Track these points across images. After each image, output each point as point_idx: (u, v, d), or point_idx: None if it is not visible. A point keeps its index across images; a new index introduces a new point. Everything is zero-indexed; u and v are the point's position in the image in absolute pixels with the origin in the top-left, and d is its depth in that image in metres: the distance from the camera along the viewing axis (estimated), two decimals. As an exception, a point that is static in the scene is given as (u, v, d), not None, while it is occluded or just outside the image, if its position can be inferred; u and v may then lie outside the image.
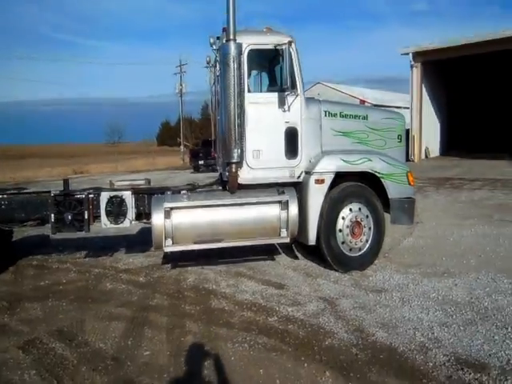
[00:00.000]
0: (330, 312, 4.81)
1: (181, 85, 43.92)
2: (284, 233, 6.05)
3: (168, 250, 5.99)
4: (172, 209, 5.84)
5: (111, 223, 6.32)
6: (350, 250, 6.15)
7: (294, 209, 6.02)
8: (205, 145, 28.88)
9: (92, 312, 5.12)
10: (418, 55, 22.98)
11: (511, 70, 21.79)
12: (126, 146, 75.60)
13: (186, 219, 5.91)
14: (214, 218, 6.00)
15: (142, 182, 7.11)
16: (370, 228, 6.18)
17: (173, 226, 5.82)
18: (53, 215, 6.22)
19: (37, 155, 59.00)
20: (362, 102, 47.98)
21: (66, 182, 6.61)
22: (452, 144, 27.56)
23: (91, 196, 6.34)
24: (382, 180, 6.17)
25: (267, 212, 6.04)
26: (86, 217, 6.27)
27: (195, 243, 5.94)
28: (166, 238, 5.82)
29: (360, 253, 6.18)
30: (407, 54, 23.18)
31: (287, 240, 6.14)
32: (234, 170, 5.81)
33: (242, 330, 4.50)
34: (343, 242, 6.11)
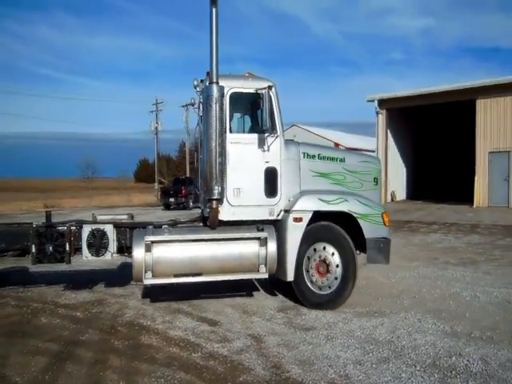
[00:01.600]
0: (254, 349, 4.90)
1: (156, 123, 44.58)
2: (263, 269, 6.20)
3: (147, 282, 6.08)
4: (153, 242, 5.98)
5: (92, 255, 6.50)
6: (319, 288, 6.32)
7: (272, 246, 6.19)
8: (176, 183, 29.14)
9: (18, 347, 5.07)
10: (382, 103, 24.15)
11: (469, 120, 22.94)
12: (102, 182, 75.17)
13: (166, 253, 6.05)
14: (194, 252, 6.14)
15: (125, 216, 7.33)
16: (337, 267, 6.29)
17: (153, 260, 5.95)
18: (34, 246, 6.40)
19: (11, 189, 58.11)
20: (336, 145, 49.47)
21: (48, 214, 6.76)
22: (418, 189, 28.47)
23: (73, 228, 6.56)
24: (359, 220, 6.37)
25: (246, 248, 6.20)
26: (68, 248, 6.48)
27: (175, 277, 6.08)
28: (145, 271, 5.94)
29: (329, 291, 6.30)
30: (373, 101, 24.35)
31: (266, 276, 6.27)
32: (214, 206, 6.02)
33: (163, 365, 4.55)
34: (311, 281, 6.31)
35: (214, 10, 5.77)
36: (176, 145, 70.12)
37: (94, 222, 6.76)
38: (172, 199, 26.55)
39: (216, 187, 5.89)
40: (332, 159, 6.77)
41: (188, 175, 46.01)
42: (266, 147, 6.28)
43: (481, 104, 22.21)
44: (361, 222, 6.36)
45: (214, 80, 5.85)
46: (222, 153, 5.97)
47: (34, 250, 6.40)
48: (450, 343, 4.96)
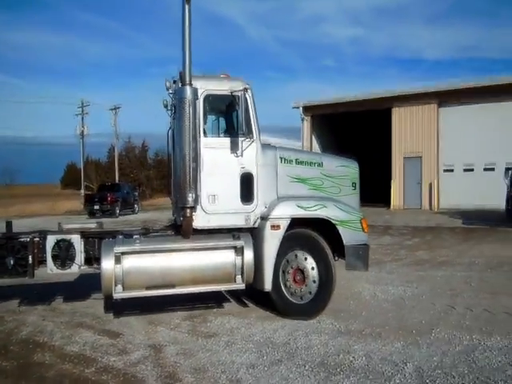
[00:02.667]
0: (151, 360, 4.86)
1: (82, 126, 42.80)
2: (239, 279, 5.98)
3: (118, 296, 5.74)
4: (123, 253, 5.70)
5: (58, 268, 6.07)
6: (296, 297, 6.14)
7: (249, 254, 5.98)
8: (101, 189, 28.14)
9: None
10: (307, 109, 25.03)
11: (387, 126, 24.37)
12: (24, 189, 70.68)
13: (137, 264, 5.77)
14: (167, 263, 5.90)
15: (94, 225, 6.84)
16: (314, 275, 6.11)
17: (123, 272, 5.67)
18: None
19: None
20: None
21: (8, 224, 6.26)
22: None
23: (36, 239, 6.11)
24: (337, 227, 6.21)
25: (222, 258, 5.99)
26: (31, 261, 6.00)
27: (147, 289, 5.80)
28: (115, 284, 5.65)
29: (306, 300, 6.12)
30: (298, 107, 25.18)
31: (242, 286, 6.04)
32: (188, 214, 5.77)
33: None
34: (288, 290, 6.15)
35: (186, 7, 5.52)
36: (104, 149, 67.55)
37: (60, 231, 6.34)
38: (97, 206, 25.55)
39: (190, 194, 5.65)
40: (310, 164, 6.63)
41: (118, 181, 44.57)
42: (241, 152, 6.09)
43: (396, 112, 23.79)
44: (339, 228, 6.21)
45: (188, 81, 5.62)
46: (196, 158, 5.75)
47: None
48: (341, 342, 5.24)
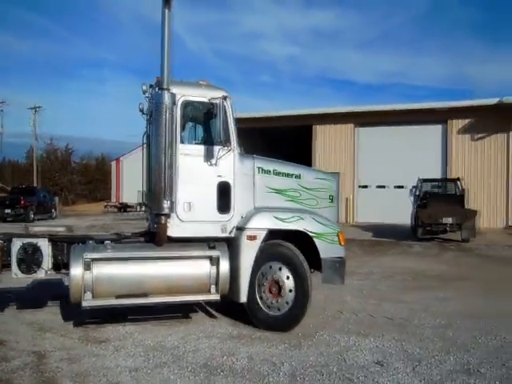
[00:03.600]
0: (31, 366, 4.75)
1: (-3, 125, 40.19)
2: (214, 290, 5.88)
3: (87, 304, 5.50)
4: (93, 260, 5.50)
5: (23, 273, 5.80)
6: (272, 309, 6.08)
7: (224, 265, 5.88)
8: (13, 193, 26.53)
9: None
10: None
11: (309, 143, 25.48)
12: None
13: (108, 272, 5.60)
14: (140, 271, 5.74)
15: (62, 228, 6.54)
16: (290, 287, 6.06)
17: (93, 279, 5.48)
18: None
19: None
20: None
21: None
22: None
23: (1, 242, 5.87)
24: (314, 239, 6.18)
25: (196, 268, 5.88)
26: None
27: (118, 298, 5.61)
28: (85, 292, 5.45)
29: (282, 312, 6.06)
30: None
31: (217, 298, 5.92)
32: (163, 222, 5.64)
33: None
34: (264, 302, 6.07)
35: (166, 12, 5.47)
36: (21, 150, 63.56)
37: (27, 235, 6.10)
38: (8, 210, 23.97)
39: (165, 201, 5.54)
40: (287, 175, 6.56)
41: (36, 184, 42.07)
42: (219, 161, 6.01)
43: (317, 130, 24.94)
44: (316, 241, 6.19)
45: (165, 86, 5.53)
46: (172, 164, 5.65)
47: None
48: (229, 345, 5.47)
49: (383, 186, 23.68)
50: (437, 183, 19.09)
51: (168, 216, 5.73)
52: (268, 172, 6.41)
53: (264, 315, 6.08)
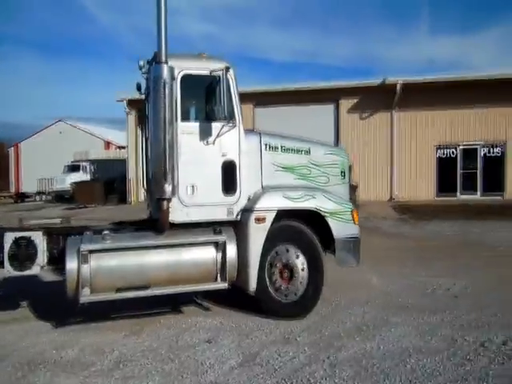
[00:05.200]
0: None
1: None
2: (221, 278, 5.51)
3: (85, 300, 5.14)
4: (90, 252, 5.11)
5: (16, 270, 5.38)
6: (283, 295, 5.73)
7: (232, 250, 5.52)
8: None
9: None
10: (133, 103, 24.56)
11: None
12: None
13: (106, 264, 5.22)
14: (141, 261, 5.35)
15: (59, 220, 6.09)
16: (303, 271, 5.73)
17: (91, 273, 5.11)
18: None
19: None
20: (108, 144, 47.79)
21: None
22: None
23: None
24: (327, 219, 5.83)
25: (202, 254, 5.51)
26: None
27: (118, 291, 5.23)
28: (82, 287, 5.08)
29: (294, 298, 5.73)
30: (122, 101, 24.59)
31: (225, 286, 5.53)
32: (165, 207, 5.24)
33: None
34: (275, 288, 5.72)
35: None
36: None
37: (20, 228, 5.65)
38: None
39: (166, 185, 5.12)
40: (296, 151, 6.17)
41: None
42: (223, 138, 5.62)
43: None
44: (329, 220, 5.84)
45: (163, 60, 5.07)
46: (173, 144, 5.23)
47: None
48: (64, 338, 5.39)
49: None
50: None
51: (170, 200, 5.34)
52: (275, 148, 6.03)
53: (275, 302, 5.72)
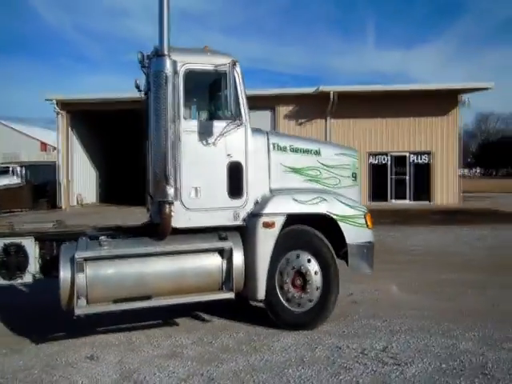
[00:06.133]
0: None
1: None
2: (227, 287, 5.15)
3: (80, 312, 4.71)
4: (86, 260, 4.76)
5: (5, 279, 5.05)
6: (295, 305, 5.40)
7: (238, 258, 5.19)
8: None
9: None
10: (63, 104, 23.60)
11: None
12: None
13: (104, 273, 4.85)
14: (141, 270, 4.98)
15: (51, 224, 5.65)
16: (316, 278, 5.43)
17: (87, 282, 4.75)
18: None
19: None
20: (44, 144, 45.73)
21: None
22: (112, 192, 29.24)
23: None
24: (339, 223, 5.50)
25: (206, 262, 5.18)
26: None
27: (116, 303, 4.84)
28: (78, 298, 4.70)
29: (307, 308, 5.40)
30: (51, 100, 23.52)
31: (231, 296, 5.15)
32: (167, 210, 4.92)
33: None
34: (286, 297, 5.38)
35: None
36: None
37: (9, 233, 5.28)
38: None
39: (169, 187, 4.82)
40: (306, 151, 5.84)
41: None
42: (228, 137, 5.28)
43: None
44: (341, 224, 5.53)
45: (165, 52, 4.76)
46: (176, 144, 4.94)
47: None
48: None
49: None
50: None
51: (172, 204, 4.99)
52: (284, 149, 5.72)
53: (287, 312, 5.41)
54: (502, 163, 68.80)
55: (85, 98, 23.77)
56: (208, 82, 5.75)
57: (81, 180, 25.46)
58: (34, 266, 5.16)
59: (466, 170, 63.62)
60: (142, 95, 5.95)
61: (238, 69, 5.36)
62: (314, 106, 22.55)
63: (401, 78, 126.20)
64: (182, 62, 5.16)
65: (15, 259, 5.08)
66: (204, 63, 5.33)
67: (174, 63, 4.98)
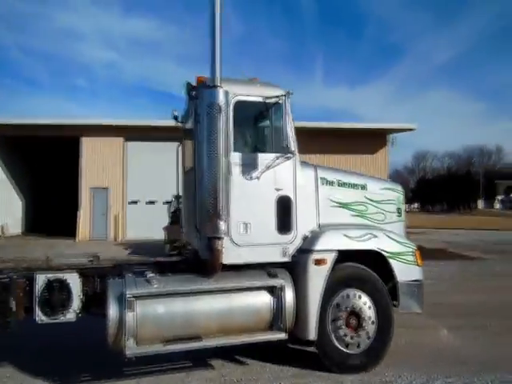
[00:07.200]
0: None
1: None
2: (278, 327, 4.95)
3: (131, 353, 4.49)
4: (137, 298, 4.55)
5: (48, 317, 4.70)
6: (347, 345, 5.15)
7: (290, 296, 5.01)
8: None
9: None
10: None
11: (77, 156, 23.69)
12: None
13: (154, 311, 4.65)
14: (191, 308, 4.80)
15: (87, 259, 5.48)
16: (371, 318, 5.20)
17: (137, 321, 4.53)
18: None
19: None
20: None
21: None
22: (37, 222, 27.42)
23: (21, 279, 4.76)
24: (390, 260, 5.32)
25: (256, 300, 5.00)
26: (14, 309, 4.67)
27: (167, 343, 4.63)
28: (127, 337, 4.46)
29: (360, 350, 5.18)
30: None
31: (283, 336, 4.97)
32: (218, 247, 4.73)
33: None
34: (337, 338, 5.15)
35: None
36: None
37: (51, 268, 5.06)
38: None
39: (221, 222, 4.67)
40: (353, 186, 5.73)
41: None
42: (277, 170, 5.15)
43: (85, 142, 23.37)
44: (392, 261, 5.33)
45: (218, 83, 4.69)
46: (228, 177, 4.81)
47: None
48: None
49: (153, 202, 23.52)
50: None
51: (222, 239, 4.80)
52: (332, 183, 5.60)
53: (340, 354, 5.14)
54: (437, 199, 72.76)
55: (12, 123, 22.22)
56: (257, 114, 5.71)
57: (5, 209, 23.52)
58: (77, 303, 4.89)
59: (406, 206, 66.92)
60: (181, 125, 5.96)
61: (289, 100, 5.27)
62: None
63: (347, 115, 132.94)
64: (233, 94, 5.09)
65: (59, 296, 4.80)
66: (254, 95, 5.27)
67: (227, 94, 4.91)
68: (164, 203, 21.79)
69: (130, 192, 23.52)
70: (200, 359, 5.47)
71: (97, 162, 23.27)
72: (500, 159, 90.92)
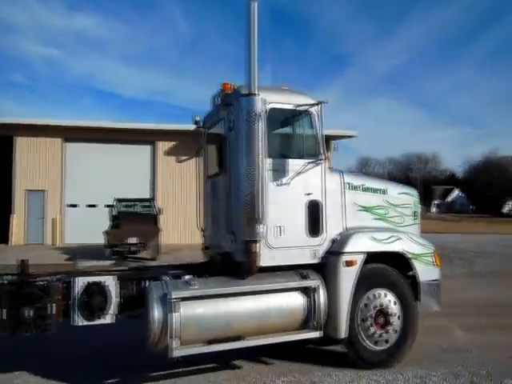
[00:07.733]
0: None
1: None
2: (312, 325, 5.20)
3: (178, 354, 4.61)
4: (180, 300, 4.66)
5: (86, 320, 4.88)
6: (375, 342, 5.47)
7: (322, 296, 5.28)
8: None
9: None
10: None
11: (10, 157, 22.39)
12: None
13: (198, 312, 4.77)
14: (230, 309, 4.94)
15: (108, 263, 5.64)
16: (397, 316, 5.54)
17: (181, 323, 4.63)
18: (5, 311, 4.64)
19: None
20: None
21: (23, 263, 5.04)
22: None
23: (60, 283, 4.90)
24: (412, 261, 5.69)
25: (291, 301, 5.23)
26: (54, 312, 4.80)
27: (210, 344, 4.77)
28: (171, 338, 4.57)
29: (387, 346, 5.49)
30: None
31: (317, 334, 5.22)
32: (255, 250, 4.91)
33: None
34: (366, 335, 5.44)
35: (252, 4, 4.82)
36: None
37: (89, 272, 5.15)
38: None
39: (260, 226, 4.86)
40: (375, 191, 6.04)
41: None
42: (308, 176, 5.45)
43: (19, 142, 22.11)
44: (414, 262, 5.70)
45: (255, 91, 4.88)
46: (265, 182, 5.00)
47: (4, 316, 4.64)
48: None
49: (94, 205, 22.87)
50: (131, 203, 18.56)
51: (258, 242, 4.99)
52: (356, 188, 5.90)
53: (368, 351, 5.45)
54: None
55: None
56: (287, 121, 5.89)
57: None
58: (114, 305, 5.03)
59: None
60: (202, 130, 6.14)
61: (322, 108, 5.58)
62: (193, 144, 22.78)
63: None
64: (268, 101, 5.30)
65: (97, 299, 4.95)
66: (285, 102, 5.53)
67: (264, 101, 5.14)
68: (105, 206, 21.34)
69: (68, 195, 22.52)
70: (221, 360, 5.72)
71: (33, 163, 22.08)
72: (436, 165, 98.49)
